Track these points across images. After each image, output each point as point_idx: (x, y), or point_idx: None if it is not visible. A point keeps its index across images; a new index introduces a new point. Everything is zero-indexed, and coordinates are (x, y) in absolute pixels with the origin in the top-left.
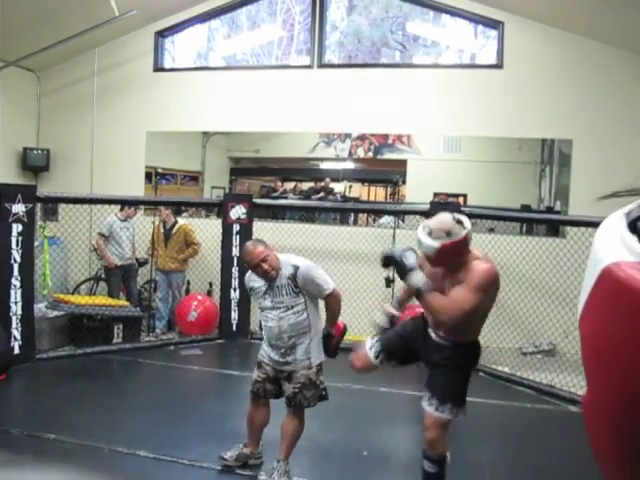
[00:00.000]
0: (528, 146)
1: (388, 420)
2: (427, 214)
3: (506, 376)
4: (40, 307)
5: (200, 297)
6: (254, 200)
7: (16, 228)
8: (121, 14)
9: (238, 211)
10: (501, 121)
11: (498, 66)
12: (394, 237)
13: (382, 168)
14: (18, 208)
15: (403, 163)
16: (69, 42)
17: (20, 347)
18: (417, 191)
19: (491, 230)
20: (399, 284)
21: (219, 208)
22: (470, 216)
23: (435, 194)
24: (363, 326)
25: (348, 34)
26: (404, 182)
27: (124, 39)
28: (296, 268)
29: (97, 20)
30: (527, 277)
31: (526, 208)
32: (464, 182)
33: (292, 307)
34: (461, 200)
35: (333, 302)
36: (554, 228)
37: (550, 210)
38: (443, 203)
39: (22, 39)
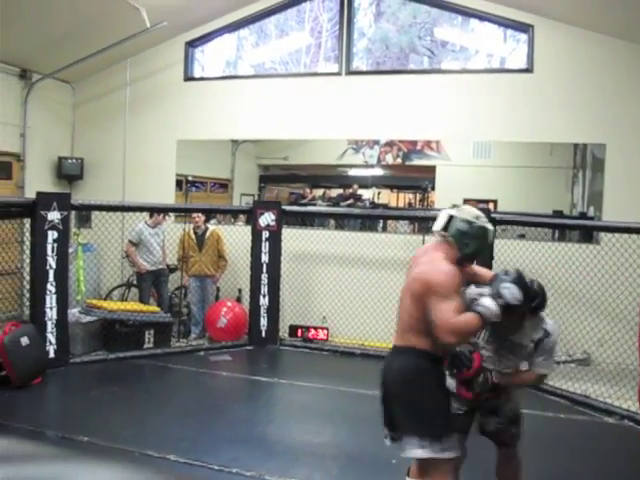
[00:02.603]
0: (560, 151)
1: None
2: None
3: (538, 386)
4: (74, 312)
5: (229, 303)
6: (283, 207)
7: (51, 235)
8: (152, 25)
9: (267, 218)
10: (532, 126)
11: (528, 70)
12: (423, 244)
13: (411, 174)
14: (53, 216)
15: (432, 169)
16: (102, 54)
17: (55, 351)
18: (446, 197)
19: (522, 236)
20: None
21: (248, 215)
22: (501, 222)
23: (465, 200)
24: (392, 333)
25: (376, 41)
26: (433, 188)
27: (155, 50)
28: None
29: (129, 32)
30: (559, 284)
31: (558, 214)
32: (494, 188)
33: None
34: (491, 206)
35: None
36: (588, 234)
37: (583, 216)
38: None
39: (57, 52)
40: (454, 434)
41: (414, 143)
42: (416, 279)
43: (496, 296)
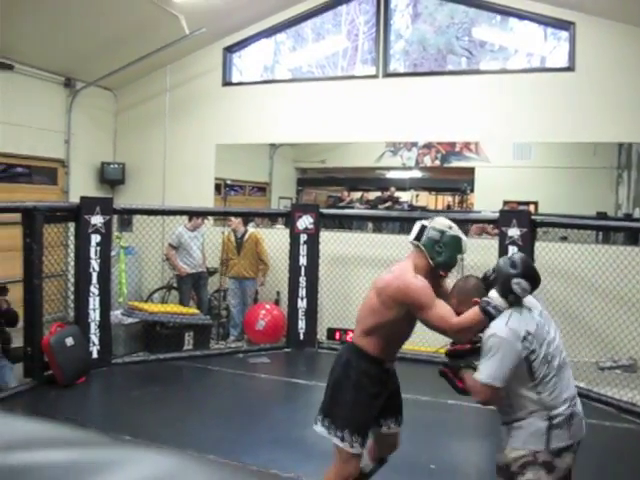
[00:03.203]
0: (603, 151)
1: (456, 433)
2: (496, 222)
3: (583, 392)
4: (116, 314)
5: (268, 306)
6: (321, 210)
7: (95, 239)
8: (191, 32)
9: (305, 221)
10: (574, 125)
11: (570, 68)
12: None
13: (449, 176)
14: (97, 220)
15: (471, 171)
16: (143, 61)
17: (98, 352)
18: (486, 199)
19: (564, 239)
20: None
21: (286, 218)
22: (541, 224)
23: (505, 202)
24: (430, 337)
25: (413, 42)
26: (472, 190)
27: (194, 56)
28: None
29: (169, 39)
30: (604, 288)
31: (602, 215)
32: (535, 189)
33: None
34: (532, 208)
35: None
36: (633, 236)
37: (628, 217)
38: (513, 211)
39: (100, 61)
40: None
41: (452, 145)
42: (389, 286)
43: (507, 292)
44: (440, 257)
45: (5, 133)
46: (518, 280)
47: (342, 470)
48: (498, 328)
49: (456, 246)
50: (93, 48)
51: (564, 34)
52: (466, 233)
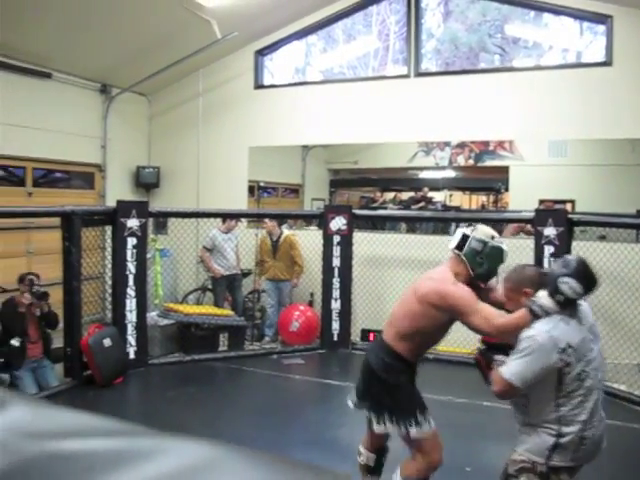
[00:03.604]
0: None
1: (492, 435)
2: (532, 222)
3: (623, 395)
4: (152, 315)
5: (302, 307)
6: (354, 211)
7: (131, 242)
8: (223, 37)
9: (338, 222)
10: (611, 122)
11: (607, 63)
12: None
13: (483, 176)
14: (132, 223)
15: (505, 170)
16: (176, 66)
17: (135, 353)
18: (521, 198)
19: (602, 238)
20: None
21: (319, 219)
22: (578, 223)
23: (540, 201)
24: (465, 338)
25: (445, 41)
26: (507, 189)
27: (226, 60)
28: None
29: (201, 44)
30: None
31: None
32: (572, 187)
33: None
34: (569, 206)
35: None
36: None
37: None
38: (549, 210)
39: (134, 67)
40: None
41: (486, 144)
42: (431, 294)
43: (554, 292)
44: (481, 268)
45: (45, 140)
46: (567, 279)
47: (430, 457)
48: (539, 331)
49: (497, 257)
50: (127, 55)
51: (601, 28)
52: (500, 233)
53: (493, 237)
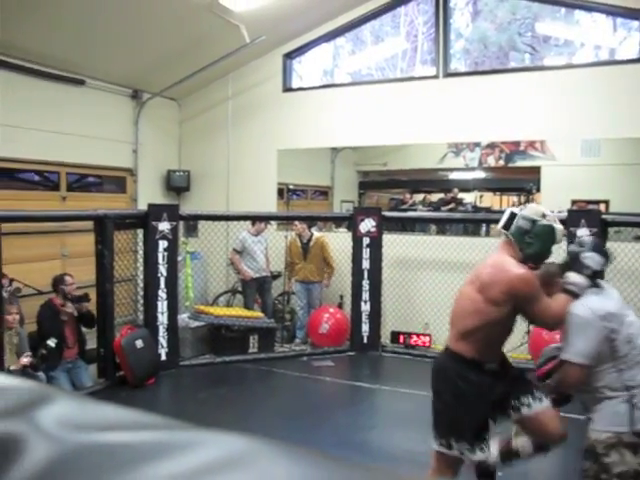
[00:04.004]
0: None
1: None
2: (565, 223)
3: None
4: (183, 317)
5: (331, 309)
6: (383, 213)
7: (162, 244)
8: (251, 41)
9: (368, 224)
10: None
11: None
12: None
13: (514, 176)
14: (164, 226)
15: (537, 170)
16: (205, 71)
17: (166, 354)
18: (553, 199)
19: (638, 238)
20: None
21: (349, 222)
22: (613, 224)
23: (573, 201)
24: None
25: (474, 41)
26: (538, 190)
27: (254, 63)
28: None
29: (230, 48)
30: None
31: None
32: (605, 187)
33: None
34: (602, 207)
35: None
36: None
37: None
38: (582, 211)
39: (164, 72)
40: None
41: (517, 144)
42: (499, 281)
43: (580, 268)
44: (530, 249)
45: (78, 145)
46: (588, 254)
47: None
48: (577, 308)
49: (549, 236)
50: (158, 60)
51: (635, 24)
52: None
53: (544, 215)
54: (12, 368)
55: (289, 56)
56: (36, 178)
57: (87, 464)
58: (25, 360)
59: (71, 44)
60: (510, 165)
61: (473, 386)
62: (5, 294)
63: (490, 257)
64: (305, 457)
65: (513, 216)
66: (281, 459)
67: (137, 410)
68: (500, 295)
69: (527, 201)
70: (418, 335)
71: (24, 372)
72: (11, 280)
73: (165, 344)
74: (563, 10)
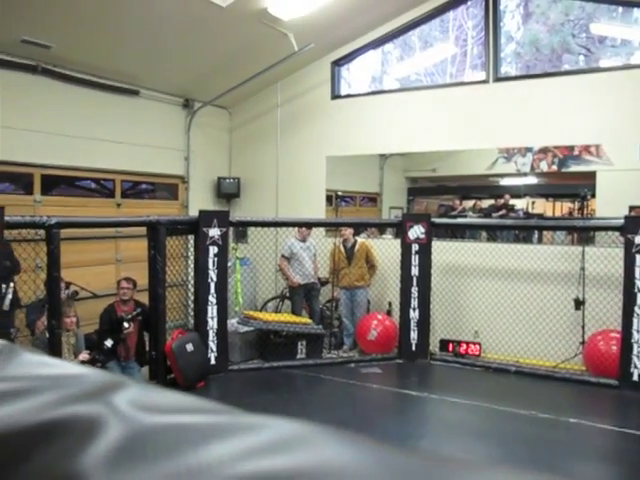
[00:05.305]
0: None
1: (577, 455)
2: (621, 230)
3: None
4: (232, 322)
5: (380, 316)
6: (432, 219)
7: (212, 250)
8: (300, 49)
9: (417, 231)
10: None
11: None
12: (583, 255)
13: (568, 182)
14: (214, 232)
15: (592, 175)
16: (255, 79)
17: (215, 358)
18: (609, 205)
19: None
20: (590, 306)
21: (397, 228)
22: None
23: (631, 207)
24: (550, 351)
25: (525, 44)
26: (593, 195)
27: (303, 71)
28: None
29: (279, 57)
30: None
31: None
32: None
33: None
34: None
35: None
36: None
37: None
38: None
39: (214, 81)
40: None
41: (571, 148)
42: None
43: None
44: None
45: (132, 153)
46: None
47: None
48: None
49: None
50: (208, 70)
51: None
52: (588, 241)
53: None
54: None
55: (337, 63)
56: (93, 186)
57: (158, 442)
58: (83, 357)
59: (127, 57)
60: (563, 170)
61: None
62: (63, 297)
63: None
64: (359, 441)
65: None
66: (336, 442)
67: (197, 396)
68: None
69: (582, 207)
70: (468, 343)
71: None
72: (68, 284)
73: (215, 348)
74: (620, 9)
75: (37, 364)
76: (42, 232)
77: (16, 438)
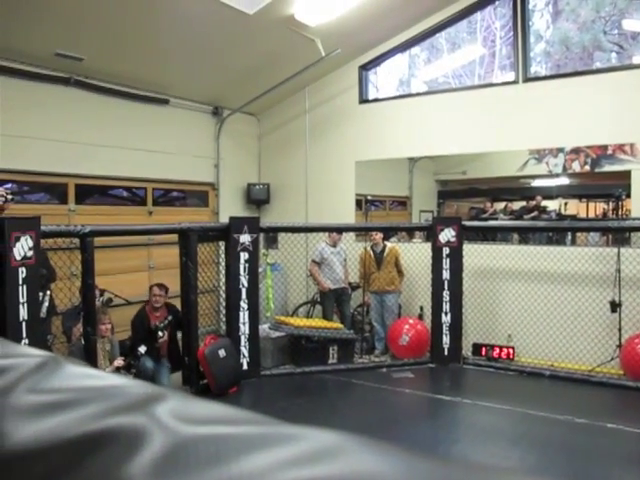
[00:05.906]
0: None
1: (615, 461)
2: None
3: None
4: (264, 328)
5: (411, 321)
6: (463, 222)
7: (243, 256)
8: (327, 54)
9: (447, 234)
10: None
11: None
12: (619, 257)
13: (602, 182)
14: (245, 238)
15: (626, 175)
16: (282, 86)
17: (247, 364)
18: None
19: None
20: (627, 308)
21: (428, 232)
22: None
23: None
24: (585, 354)
25: (554, 42)
26: (628, 195)
27: (330, 76)
28: None
29: (306, 62)
30: None
31: None
32: None
33: None
34: None
35: None
36: None
37: None
38: None
39: (243, 88)
40: None
41: (604, 148)
42: None
43: None
44: None
45: (163, 161)
46: None
47: None
48: None
49: None
50: (237, 77)
51: None
52: (623, 242)
53: None
54: (107, 371)
55: (364, 67)
56: (125, 194)
57: (200, 452)
58: (117, 363)
59: (157, 67)
60: (597, 170)
61: None
62: (98, 304)
63: None
64: (394, 451)
65: None
66: (372, 452)
67: (230, 406)
68: None
69: (616, 208)
70: (501, 347)
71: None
72: (102, 291)
73: (247, 354)
74: None
75: (81, 376)
76: (77, 240)
77: (64, 449)
